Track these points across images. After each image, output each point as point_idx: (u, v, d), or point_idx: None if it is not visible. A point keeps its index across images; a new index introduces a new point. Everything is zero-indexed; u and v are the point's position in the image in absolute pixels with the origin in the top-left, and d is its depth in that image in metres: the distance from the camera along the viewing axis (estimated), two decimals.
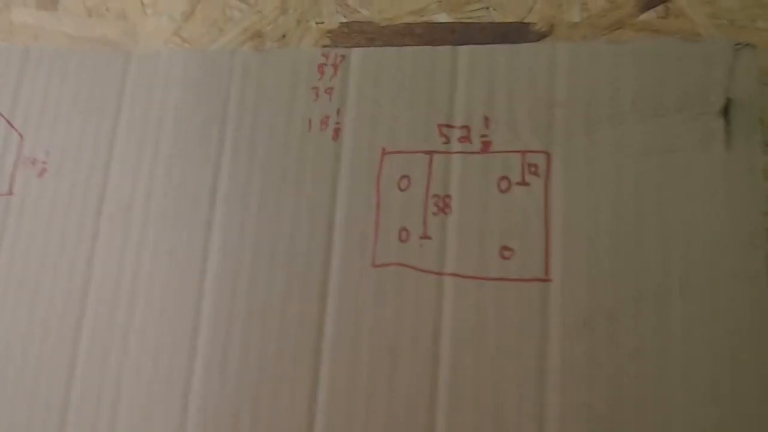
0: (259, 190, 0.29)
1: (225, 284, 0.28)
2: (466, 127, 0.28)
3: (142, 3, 0.34)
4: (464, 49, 0.29)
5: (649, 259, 0.24)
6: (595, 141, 0.26)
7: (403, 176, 0.28)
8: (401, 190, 0.28)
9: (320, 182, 0.28)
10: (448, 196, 0.27)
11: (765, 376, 0.23)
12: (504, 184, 0.27)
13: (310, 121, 0.29)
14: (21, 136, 0.32)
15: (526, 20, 0.30)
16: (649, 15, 0.29)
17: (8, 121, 0.32)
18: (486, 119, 0.28)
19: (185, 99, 0.31)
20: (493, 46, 0.28)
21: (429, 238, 0.27)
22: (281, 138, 0.29)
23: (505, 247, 0.26)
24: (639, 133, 0.26)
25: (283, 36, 0.32)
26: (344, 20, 0.32)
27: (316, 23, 0.32)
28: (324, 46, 0.32)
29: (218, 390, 0.27)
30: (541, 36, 0.30)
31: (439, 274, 0.26)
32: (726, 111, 0.25)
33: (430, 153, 0.28)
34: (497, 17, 0.31)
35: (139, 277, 0.28)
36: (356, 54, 0.30)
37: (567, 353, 0.24)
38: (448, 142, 0.28)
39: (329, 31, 0.32)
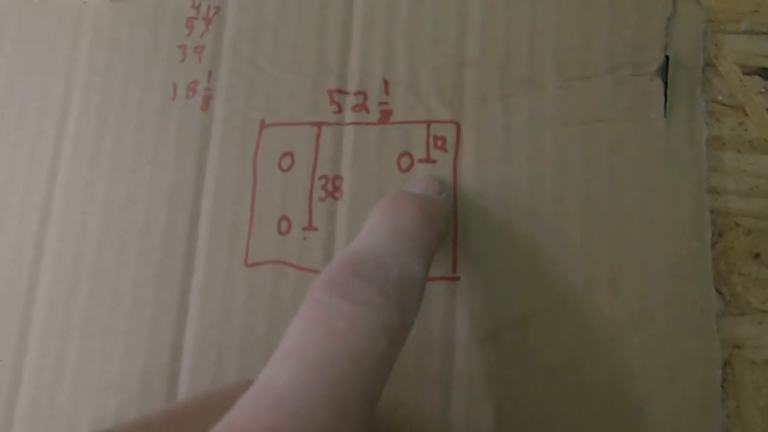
0: (107, 172, 0.23)
1: (60, 289, 0.22)
2: (362, 93, 0.23)
3: None
4: None
5: (572, 251, 0.20)
6: (511, 108, 0.22)
7: (285, 153, 0.23)
8: (282, 170, 0.23)
9: (184, 161, 0.23)
10: (338, 177, 0.22)
11: (705, 385, 0.19)
12: (405, 162, 0.22)
13: (174, 87, 0.24)
14: None
15: None
16: None
17: None
18: (385, 83, 0.23)
19: (17, 62, 0.25)
20: None
21: (314, 229, 0.22)
22: (138, 108, 0.24)
23: None
24: (562, 98, 0.21)
25: None
26: None
27: None
28: None
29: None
30: None
31: None
32: (664, 71, 0.21)
33: (319, 125, 0.23)
34: None
35: None
36: (233, 4, 0.24)
37: (473, 367, 0.20)
38: (340, 111, 0.23)
39: None
